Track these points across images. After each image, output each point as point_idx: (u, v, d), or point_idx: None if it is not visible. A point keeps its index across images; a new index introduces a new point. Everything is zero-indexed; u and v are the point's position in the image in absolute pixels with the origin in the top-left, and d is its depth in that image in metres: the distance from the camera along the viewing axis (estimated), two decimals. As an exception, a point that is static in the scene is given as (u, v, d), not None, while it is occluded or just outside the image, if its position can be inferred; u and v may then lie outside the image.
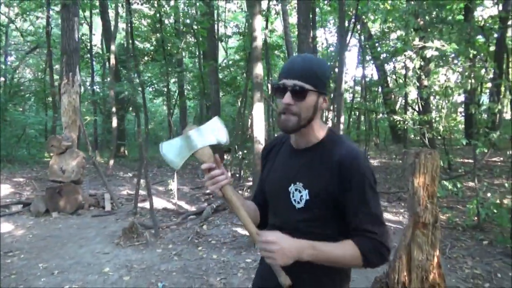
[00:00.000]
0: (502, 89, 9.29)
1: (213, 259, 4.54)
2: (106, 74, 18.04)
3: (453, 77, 7.64)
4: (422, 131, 7.80)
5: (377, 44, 12.38)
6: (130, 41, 8.69)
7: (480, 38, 9.85)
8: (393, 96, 14.30)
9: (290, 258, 1.15)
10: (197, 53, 16.38)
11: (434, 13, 7.82)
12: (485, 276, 3.92)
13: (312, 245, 1.19)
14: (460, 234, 5.28)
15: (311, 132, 1.32)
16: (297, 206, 1.30)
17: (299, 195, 1.30)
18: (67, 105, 7.10)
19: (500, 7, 9.42)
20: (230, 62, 16.55)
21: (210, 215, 6.37)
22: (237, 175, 9.74)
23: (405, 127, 8.59)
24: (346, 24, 9.57)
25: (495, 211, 4.99)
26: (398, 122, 8.33)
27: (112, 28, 14.47)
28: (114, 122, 12.48)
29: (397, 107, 14.02)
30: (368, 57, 14.04)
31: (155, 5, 10.29)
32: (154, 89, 18.55)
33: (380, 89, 15.60)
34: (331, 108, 9.98)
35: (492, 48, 11.81)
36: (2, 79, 15.98)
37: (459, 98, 11.06)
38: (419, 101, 9.29)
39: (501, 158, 10.68)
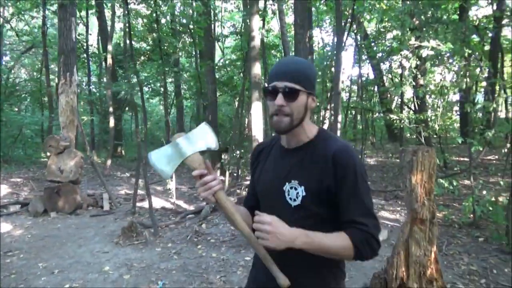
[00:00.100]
0: (497, 88, 9.41)
1: (212, 258, 4.57)
2: (102, 74, 17.99)
3: (448, 76, 7.71)
4: (418, 130, 7.87)
5: (373, 44, 12.44)
6: (128, 41, 8.65)
7: (475, 38, 9.94)
8: (389, 95, 14.38)
9: (282, 242, 1.17)
10: (194, 53, 16.39)
11: (430, 13, 7.89)
12: (481, 272, 3.98)
13: (306, 233, 1.21)
14: (456, 232, 5.35)
15: (302, 131, 1.35)
16: (293, 204, 1.32)
17: (295, 192, 1.31)
18: (64, 105, 7.11)
19: (495, 7, 9.50)
20: (227, 62, 16.57)
21: (209, 214, 6.40)
22: (235, 174, 9.77)
23: (401, 126, 8.66)
24: (343, 24, 9.62)
25: (490, 208, 5.05)
26: (394, 121, 8.39)
27: (109, 28, 14.44)
28: (111, 122, 12.46)
29: (393, 106, 14.10)
30: (364, 57, 14.10)
31: (152, 5, 10.30)
32: (150, 88, 18.54)
33: (376, 88, 15.68)
34: (328, 107, 10.03)
35: (487, 48, 11.89)
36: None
37: (455, 97, 11.14)
38: (415, 100, 9.36)
39: (496, 157, 10.78)
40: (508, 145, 5.92)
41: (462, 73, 6.25)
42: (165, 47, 13.18)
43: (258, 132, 7.36)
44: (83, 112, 16.80)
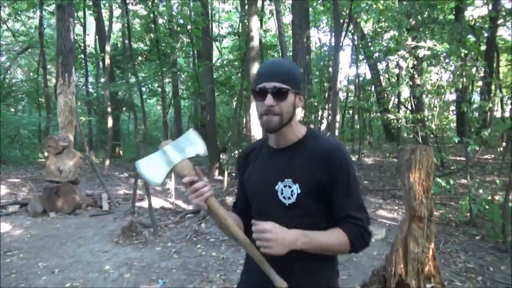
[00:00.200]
0: (493, 87, 9.50)
1: (212, 257, 4.60)
2: (100, 74, 17.98)
3: (445, 76, 7.78)
4: (415, 129, 7.94)
5: (370, 44, 12.51)
6: (127, 42, 8.65)
7: (471, 38, 10.02)
8: (386, 95, 14.46)
9: (285, 246, 1.20)
10: (192, 53, 16.40)
11: (426, 13, 7.95)
12: (477, 270, 4.03)
13: (305, 234, 1.25)
14: (453, 230, 5.40)
15: (291, 130, 1.37)
16: (287, 203, 1.32)
17: (289, 190, 1.32)
18: (63, 105, 7.12)
19: (490, 7, 9.58)
20: (225, 62, 16.60)
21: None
22: (233, 174, 9.80)
23: (399, 126, 8.72)
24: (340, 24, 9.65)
25: (487, 207, 5.10)
26: (391, 121, 8.44)
27: (106, 28, 14.43)
28: (110, 122, 12.46)
29: (390, 105, 14.19)
30: (361, 57, 14.17)
31: (150, 5, 10.29)
32: (148, 89, 18.55)
33: (373, 88, 15.75)
34: (326, 107, 10.08)
35: (482, 48, 11.99)
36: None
37: (451, 96, 11.22)
38: (412, 99, 9.43)
39: (492, 156, 10.87)
40: (504, 144, 5.97)
41: (458, 73, 6.32)
42: (163, 47, 13.16)
43: (257, 132, 7.39)
44: (81, 113, 16.77)
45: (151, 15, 10.49)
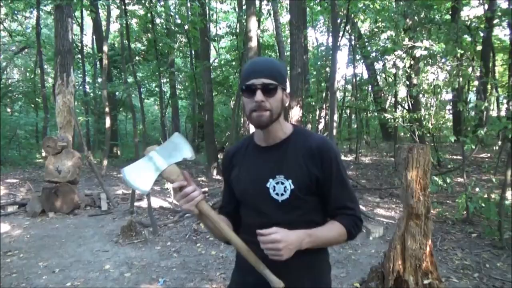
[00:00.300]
0: (489, 87, 9.57)
1: (211, 255, 4.63)
2: (97, 74, 17.96)
3: (441, 76, 7.84)
4: (412, 129, 7.99)
5: (366, 44, 12.56)
6: (126, 42, 8.67)
7: (467, 38, 10.09)
8: (383, 94, 14.52)
9: (292, 250, 1.22)
10: (189, 53, 16.42)
11: (423, 13, 8.02)
12: (474, 267, 4.09)
13: (309, 234, 1.28)
14: (450, 228, 5.46)
15: (279, 128, 1.39)
16: (280, 199, 1.33)
17: (282, 187, 1.33)
18: (61, 105, 7.13)
19: (486, 7, 9.66)
20: (222, 62, 16.63)
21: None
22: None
23: (395, 125, 8.77)
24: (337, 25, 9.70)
25: (483, 205, 5.15)
26: (388, 120, 8.50)
27: (103, 28, 14.42)
28: (108, 122, 12.46)
29: (387, 105, 14.24)
30: (358, 56, 14.23)
31: (147, 5, 10.31)
32: (145, 89, 18.56)
33: (370, 88, 15.81)
34: (324, 106, 10.13)
35: (478, 48, 12.08)
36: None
37: (448, 96, 11.30)
38: (408, 99, 9.49)
39: (489, 154, 10.96)
40: (500, 143, 6.04)
41: (454, 72, 6.37)
42: (160, 47, 13.19)
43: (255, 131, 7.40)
44: (78, 113, 16.75)
45: (148, 15, 10.53)
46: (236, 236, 1.31)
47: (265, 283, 1.29)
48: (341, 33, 10.01)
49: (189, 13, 11.54)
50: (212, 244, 5.04)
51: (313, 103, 10.56)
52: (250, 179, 1.41)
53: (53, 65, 17.48)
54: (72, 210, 6.82)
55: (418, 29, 7.96)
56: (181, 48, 16.02)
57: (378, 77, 16.76)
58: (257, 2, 12.37)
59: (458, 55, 6.28)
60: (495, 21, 10.38)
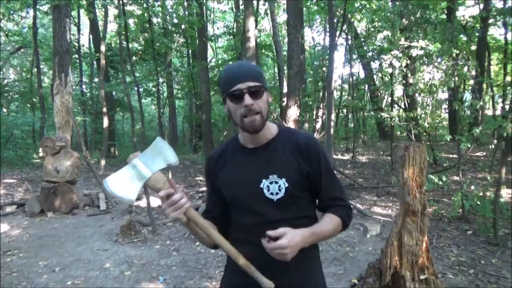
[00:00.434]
0: (484, 86, 9.66)
1: (211, 253, 4.67)
2: (94, 74, 17.94)
3: (437, 75, 7.91)
4: (408, 128, 8.06)
5: (363, 43, 12.64)
6: (124, 42, 8.68)
7: (463, 37, 10.18)
8: (379, 93, 14.61)
9: (297, 251, 1.25)
10: (186, 53, 16.43)
11: (419, 13, 8.09)
12: (469, 263, 4.15)
13: (312, 232, 1.32)
14: (446, 225, 5.53)
15: (266, 128, 1.39)
16: (275, 198, 1.34)
17: (276, 186, 1.34)
18: (60, 105, 7.15)
19: (481, 6, 9.74)
20: (220, 62, 16.66)
21: (205, 212, 6.48)
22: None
23: (392, 124, 8.85)
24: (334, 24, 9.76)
25: (478, 203, 5.21)
26: (385, 119, 8.57)
27: (101, 28, 14.41)
28: (105, 122, 12.46)
29: (384, 104, 14.33)
30: (354, 56, 14.30)
31: (145, 5, 10.32)
32: (142, 89, 18.56)
33: (367, 87, 15.90)
34: (321, 106, 10.19)
35: (474, 47, 12.18)
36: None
37: (443, 95, 11.38)
38: (405, 98, 9.57)
39: (484, 153, 11.07)
40: (495, 141, 6.11)
41: (450, 72, 6.43)
42: (157, 47, 13.18)
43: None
44: (75, 113, 16.74)
45: (145, 14, 10.54)
46: (225, 241, 1.30)
47: (256, 285, 1.30)
48: (337, 33, 10.07)
49: (186, 13, 11.55)
50: (211, 243, 5.08)
51: (310, 103, 10.62)
52: (241, 181, 1.39)
53: (49, 65, 17.50)
54: (71, 210, 6.84)
55: (414, 29, 8.04)
56: (178, 48, 16.04)
57: (375, 76, 16.83)
58: (254, 2, 12.40)
59: (454, 54, 6.35)
60: (490, 21, 10.46)
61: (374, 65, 14.90)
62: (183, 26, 12.29)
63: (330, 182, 1.43)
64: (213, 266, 4.30)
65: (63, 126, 7.18)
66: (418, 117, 8.29)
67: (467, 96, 12.05)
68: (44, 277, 4.09)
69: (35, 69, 14.80)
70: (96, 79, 17.54)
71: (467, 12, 10.72)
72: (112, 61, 16.61)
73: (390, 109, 11.42)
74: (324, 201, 1.45)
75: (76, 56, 17.18)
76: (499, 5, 10.04)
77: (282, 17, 17.79)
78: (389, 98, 13.03)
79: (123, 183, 1.23)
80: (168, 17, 12.32)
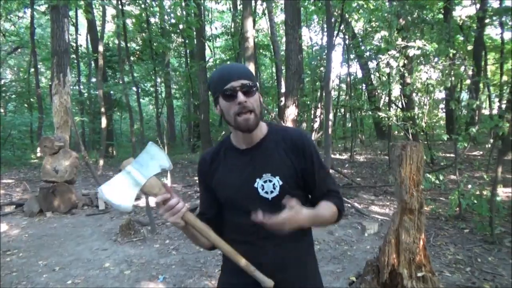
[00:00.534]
0: (481, 85, 9.74)
1: (210, 252, 4.69)
2: (92, 74, 17.92)
3: (434, 75, 7.96)
4: (405, 127, 8.11)
5: (360, 43, 12.70)
6: (122, 42, 8.69)
7: (459, 37, 10.24)
8: (377, 93, 14.67)
9: (295, 225, 1.23)
10: (184, 53, 16.44)
11: (416, 13, 8.13)
12: (466, 261, 4.20)
13: (315, 214, 1.32)
14: (443, 224, 5.58)
15: (258, 127, 1.38)
16: (270, 197, 1.34)
17: (271, 184, 1.34)
18: (58, 105, 7.16)
19: (478, 6, 9.80)
20: (218, 62, 16.68)
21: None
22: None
23: (389, 124, 8.89)
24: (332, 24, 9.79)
25: (475, 201, 5.26)
26: (382, 119, 8.61)
27: (98, 28, 14.40)
28: (103, 122, 12.46)
29: (381, 104, 14.40)
30: (352, 56, 14.35)
31: (143, 5, 10.34)
32: (140, 89, 18.57)
33: (364, 87, 15.95)
34: (319, 105, 10.23)
35: (470, 47, 12.25)
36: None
37: (440, 94, 11.46)
38: (402, 98, 9.62)
39: (481, 152, 11.14)
40: (492, 140, 6.16)
41: (447, 71, 6.48)
42: (155, 47, 13.20)
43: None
44: (74, 113, 16.72)
45: (143, 14, 10.55)
46: (223, 242, 1.31)
47: (255, 284, 1.31)
48: (335, 33, 10.11)
49: (184, 13, 11.56)
50: (210, 242, 5.10)
51: (308, 102, 10.66)
52: (235, 182, 1.39)
53: (47, 65, 17.48)
54: (70, 209, 6.85)
55: (411, 29, 8.08)
56: (176, 48, 16.05)
57: (372, 76, 16.91)
58: (252, 2, 12.43)
59: (451, 54, 6.40)
60: (486, 21, 10.54)
61: (372, 65, 14.95)
62: (181, 26, 12.32)
63: (322, 175, 1.45)
64: (212, 265, 4.33)
65: (61, 126, 7.19)
66: (416, 117, 8.34)
67: (464, 95, 12.14)
68: (44, 277, 4.11)
69: (33, 69, 14.77)
70: (94, 79, 17.53)
71: (463, 12, 10.79)
72: (110, 61, 16.60)
73: (387, 108, 11.48)
74: (319, 194, 1.45)
75: (74, 56, 17.15)
76: (496, 5, 10.12)
77: (279, 17, 17.82)
78: (387, 98, 13.09)
79: (119, 191, 1.23)
80: (166, 17, 12.34)
